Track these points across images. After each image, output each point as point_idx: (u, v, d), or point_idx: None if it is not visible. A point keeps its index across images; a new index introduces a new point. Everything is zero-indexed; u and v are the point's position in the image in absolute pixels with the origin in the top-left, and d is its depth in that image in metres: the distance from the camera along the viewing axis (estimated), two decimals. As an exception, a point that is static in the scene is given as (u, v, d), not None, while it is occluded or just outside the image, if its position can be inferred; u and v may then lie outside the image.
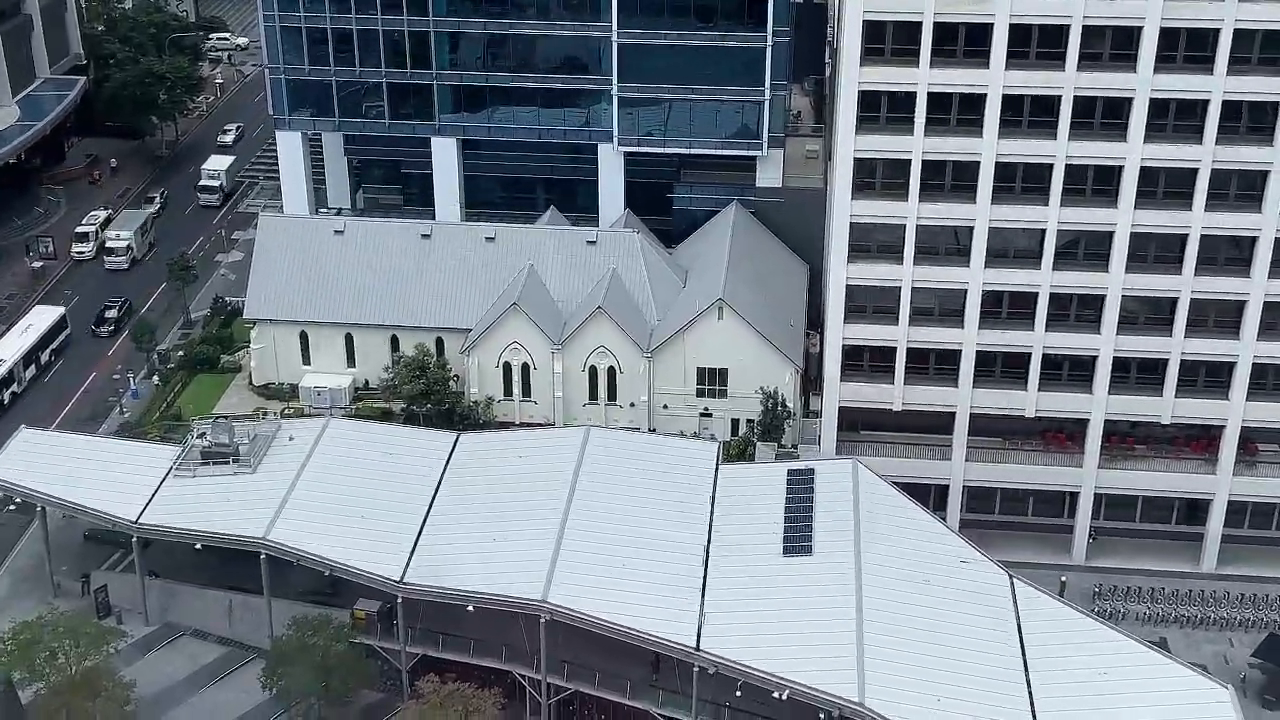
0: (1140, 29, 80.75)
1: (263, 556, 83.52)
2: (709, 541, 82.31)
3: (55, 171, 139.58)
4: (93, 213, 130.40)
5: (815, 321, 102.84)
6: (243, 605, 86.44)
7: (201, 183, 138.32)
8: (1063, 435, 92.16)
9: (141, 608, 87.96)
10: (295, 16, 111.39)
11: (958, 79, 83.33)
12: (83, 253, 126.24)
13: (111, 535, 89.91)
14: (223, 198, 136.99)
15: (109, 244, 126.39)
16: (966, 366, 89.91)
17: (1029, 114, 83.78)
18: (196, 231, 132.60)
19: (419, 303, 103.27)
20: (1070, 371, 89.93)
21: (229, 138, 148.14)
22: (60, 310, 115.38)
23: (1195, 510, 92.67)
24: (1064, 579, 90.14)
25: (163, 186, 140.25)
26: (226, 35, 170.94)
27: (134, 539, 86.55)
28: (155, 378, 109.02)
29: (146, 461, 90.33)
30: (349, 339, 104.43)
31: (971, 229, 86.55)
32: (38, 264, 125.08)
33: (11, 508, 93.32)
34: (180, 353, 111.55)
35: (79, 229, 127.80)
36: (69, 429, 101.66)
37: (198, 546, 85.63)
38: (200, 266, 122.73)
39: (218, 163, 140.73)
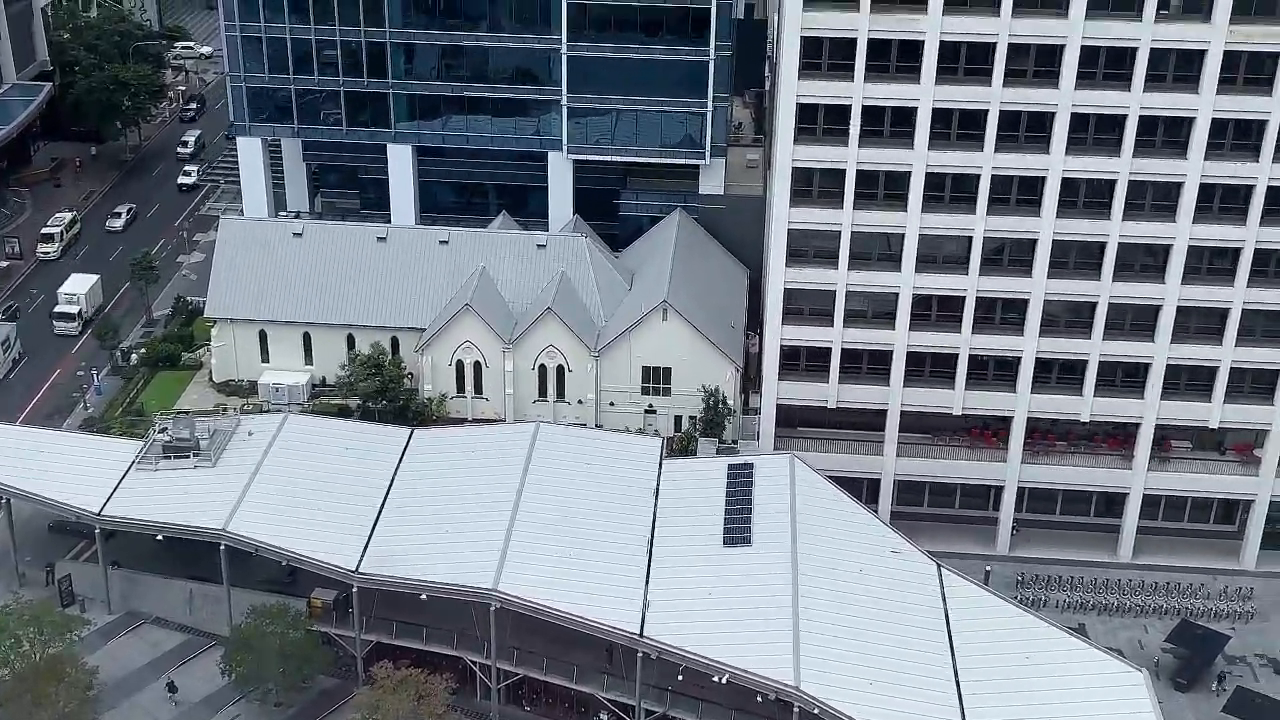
0: (1062, 47, 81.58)
1: (222, 547, 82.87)
2: (653, 533, 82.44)
3: (21, 174, 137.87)
4: (58, 214, 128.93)
5: (755, 323, 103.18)
6: (203, 594, 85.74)
7: (58, 308, 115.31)
8: (988, 432, 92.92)
9: (104, 597, 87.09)
10: (256, 26, 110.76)
11: (890, 93, 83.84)
12: (48, 253, 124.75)
13: (75, 526, 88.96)
14: (82, 325, 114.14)
15: None
16: (897, 366, 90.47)
17: (957, 127, 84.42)
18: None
19: (375, 303, 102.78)
20: (995, 371, 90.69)
21: (188, 149, 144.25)
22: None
23: (1112, 503, 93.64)
24: (989, 568, 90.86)
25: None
26: (191, 44, 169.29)
27: (97, 530, 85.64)
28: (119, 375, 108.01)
29: (109, 455, 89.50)
30: (307, 338, 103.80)
31: (903, 236, 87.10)
32: (3, 264, 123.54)
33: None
34: (143, 350, 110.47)
35: (44, 230, 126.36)
36: (34, 423, 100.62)
37: (159, 537, 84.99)
38: (162, 267, 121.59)
39: (78, 284, 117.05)
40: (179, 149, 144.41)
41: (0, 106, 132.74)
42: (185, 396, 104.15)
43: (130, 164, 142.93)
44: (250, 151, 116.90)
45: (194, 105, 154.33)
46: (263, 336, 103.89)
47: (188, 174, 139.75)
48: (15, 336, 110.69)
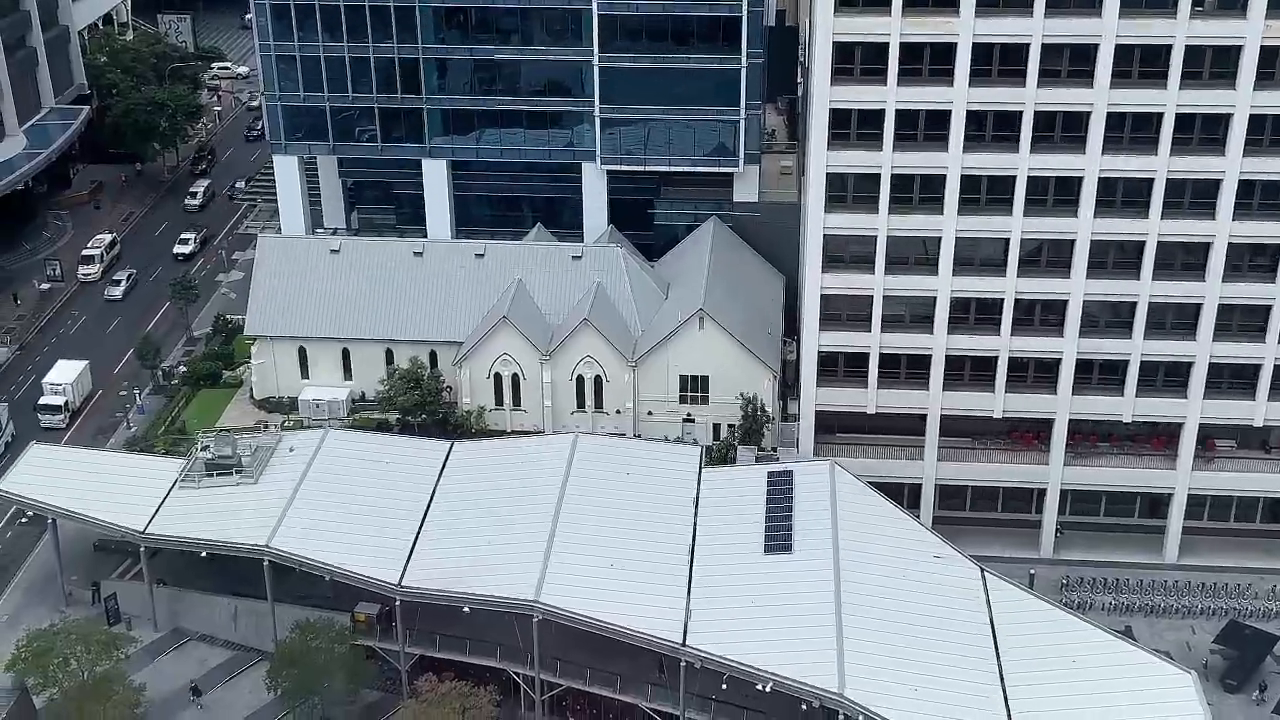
0: (1097, 46, 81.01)
1: (266, 563, 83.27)
2: (693, 542, 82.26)
3: (61, 197, 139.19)
4: (98, 236, 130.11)
5: (792, 329, 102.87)
6: (247, 610, 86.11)
7: (43, 400, 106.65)
8: (1029, 434, 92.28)
9: (150, 614, 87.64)
10: (290, 45, 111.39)
11: (924, 96, 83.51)
12: (88, 275, 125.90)
13: (120, 545, 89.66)
14: (70, 417, 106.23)
15: None
16: (936, 370, 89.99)
17: (992, 129, 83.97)
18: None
19: (412, 317, 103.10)
20: (1035, 373, 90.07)
21: (196, 200, 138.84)
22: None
23: (1157, 504, 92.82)
24: (1033, 572, 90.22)
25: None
26: (228, 65, 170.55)
27: (142, 548, 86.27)
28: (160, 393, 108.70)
29: (153, 474, 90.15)
30: (345, 353, 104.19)
31: (939, 239, 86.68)
32: (45, 286, 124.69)
33: (24, 521, 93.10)
34: (184, 369, 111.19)
35: (85, 252, 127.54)
36: (78, 444, 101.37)
37: (203, 555, 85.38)
38: (201, 286, 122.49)
39: (64, 372, 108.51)
40: (187, 199, 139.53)
41: (39, 130, 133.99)
42: (227, 414, 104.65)
43: (169, 184, 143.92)
44: (287, 169, 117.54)
45: (208, 156, 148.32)
46: (302, 353, 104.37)
47: (185, 241, 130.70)
48: (8, 419, 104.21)
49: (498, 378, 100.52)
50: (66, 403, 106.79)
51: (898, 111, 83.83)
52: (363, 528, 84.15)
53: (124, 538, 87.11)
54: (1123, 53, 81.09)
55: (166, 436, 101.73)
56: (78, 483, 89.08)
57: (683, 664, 76.02)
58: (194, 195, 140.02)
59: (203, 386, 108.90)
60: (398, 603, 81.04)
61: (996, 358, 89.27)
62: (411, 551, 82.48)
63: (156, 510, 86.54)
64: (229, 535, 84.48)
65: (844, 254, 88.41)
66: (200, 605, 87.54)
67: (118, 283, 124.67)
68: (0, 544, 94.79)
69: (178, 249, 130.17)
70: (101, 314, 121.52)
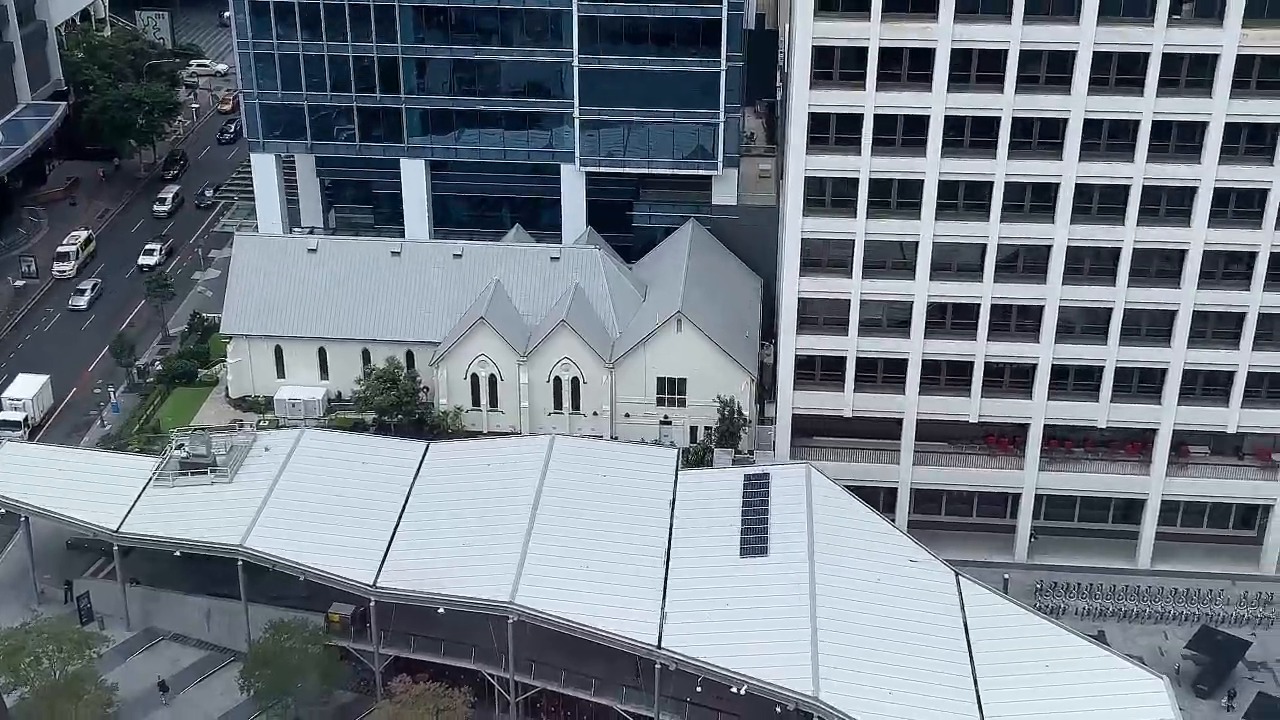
0: (1074, 53, 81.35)
1: (240, 563, 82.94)
2: (669, 544, 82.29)
3: (37, 193, 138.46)
4: (73, 233, 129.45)
5: (769, 332, 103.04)
6: (221, 610, 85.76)
7: (1, 415, 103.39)
8: (1005, 439, 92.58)
9: (123, 614, 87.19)
10: (268, 43, 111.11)
11: (902, 101, 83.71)
12: (63, 271, 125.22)
13: (93, 544, 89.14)
14: (30, 433, 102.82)
15: None
16: (913, 374, 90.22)
17: (970, 134, 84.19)
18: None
19: (390, 317, 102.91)
20: (1011, 378, 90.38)
21: (164, 207, 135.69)
22: None
23: (1131, 509, 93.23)
24: (1007, 576, 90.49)
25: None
26: (206, 62, 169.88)
27: (115, 547, 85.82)
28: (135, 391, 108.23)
29: (127, 472, 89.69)
30: (322, 353, 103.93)
31: (917, 244, 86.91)
32: (20, 283, 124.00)
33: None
34: (159, 367, 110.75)
35: (60, 249, 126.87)
36: (52, 441, 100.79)
37: (177, 554, 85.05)
38: (178, 284, 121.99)
39: (24, 387, 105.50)
40: (155, 205, 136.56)
41: (15, 126, 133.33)
42: (202, 413, 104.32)
43: (145, 182, 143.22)
44: (264, 168, 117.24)
45: (180, 161, 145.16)
46: (278, 352, 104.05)
47: (150, 252, 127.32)
48: None
49: (475, 378, 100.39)
50: (26, 418, 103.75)
51: (876, 116, 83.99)
52: (338, 528, 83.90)
53: (97, 536, 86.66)
54: (1100, 60, 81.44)
55: (141, 435, 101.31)
56: (51, 481, 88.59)
57: (658, 666, 76.02)
58: (162, 201, 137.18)
59: (178, 385, 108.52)
60: (372, 603, 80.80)
61: (973, 362, 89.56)
62: (387, 552, 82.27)
63: (130, 509, 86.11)
64: (203, 534, 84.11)
65: (822, 258, 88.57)
66: (173, 605, 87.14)
67: (82, 292, 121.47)
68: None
69: (143, 259, 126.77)
70: (66, 321, 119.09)
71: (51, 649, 77.94)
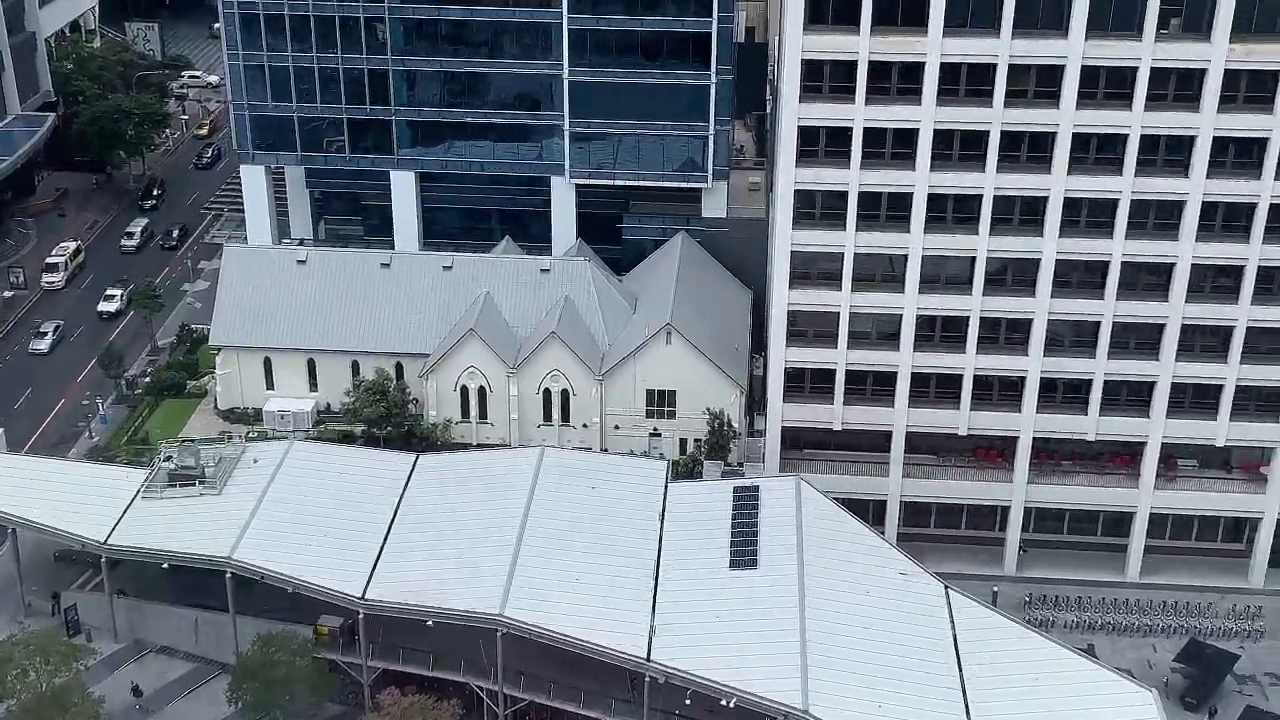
0: (1063, 67, 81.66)
1: (228, 575, 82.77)
2: (659, 556, 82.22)
3: (26, 204, 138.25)
4: (62, 244, 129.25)
5: (759, 345, 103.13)
6: (209, 622, 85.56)
7: None
8: (994, 452, 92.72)
9: (110, 626, 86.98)
10: (258, 55, 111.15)
11: (892, 115, 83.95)
12: (53, 282, 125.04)
13: (81, 555, 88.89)
14: None
15: None
16: (902, 387, 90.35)
17: (959, 148, 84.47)
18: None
19: (379, 329, 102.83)
20: (1000, 391, 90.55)
21: (132, 241, 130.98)
22: None
23: (1120, 522, 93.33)
24: (996, 589, 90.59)
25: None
26: (198, 73, 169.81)
27: (103, 559, 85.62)
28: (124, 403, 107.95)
29: (115, 484, 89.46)
30: (311, 364, 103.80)
31: (906, 257, 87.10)
32: (9, 294, 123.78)
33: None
34: (148, 379, 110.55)
35: (49, 260, 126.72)
36: (40, 452, 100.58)
37: (165, 566, 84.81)
38: (167, 296, 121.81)
39: None
40: (123, 240, 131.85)
41: (4, 137, 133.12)
42: (190, 424, 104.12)
43: (134, 194, 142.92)
44: (254, 179, 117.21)
45: (156, 192, 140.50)
46: (267, 363, 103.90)
47: (110, 298, 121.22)
48: None
49: (464, 390, 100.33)
50: None
51: (865, 129, 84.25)
52: (327, 540, 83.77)
53: (85, 548, 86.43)
54: (1089, 74, 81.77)
55: (129, 446, 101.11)
56: (39, 492, 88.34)
57: (647, 679, 75.94)
58: (130, 235, 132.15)
59: (166, 396, 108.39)
60: (361, 616, 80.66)
61: (962, 375, 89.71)
62: (375, 564, 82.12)
63: (118, 521, 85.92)
64: (191, 546, 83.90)
65: (811, 270, 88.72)
66: (161, 617, 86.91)
67: (43, 335, 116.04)
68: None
69: (102, 306, 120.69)
70: (26, 363, 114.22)
71: (38, 661, 77.65)
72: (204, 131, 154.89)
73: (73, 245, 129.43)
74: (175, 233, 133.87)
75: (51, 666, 77.79)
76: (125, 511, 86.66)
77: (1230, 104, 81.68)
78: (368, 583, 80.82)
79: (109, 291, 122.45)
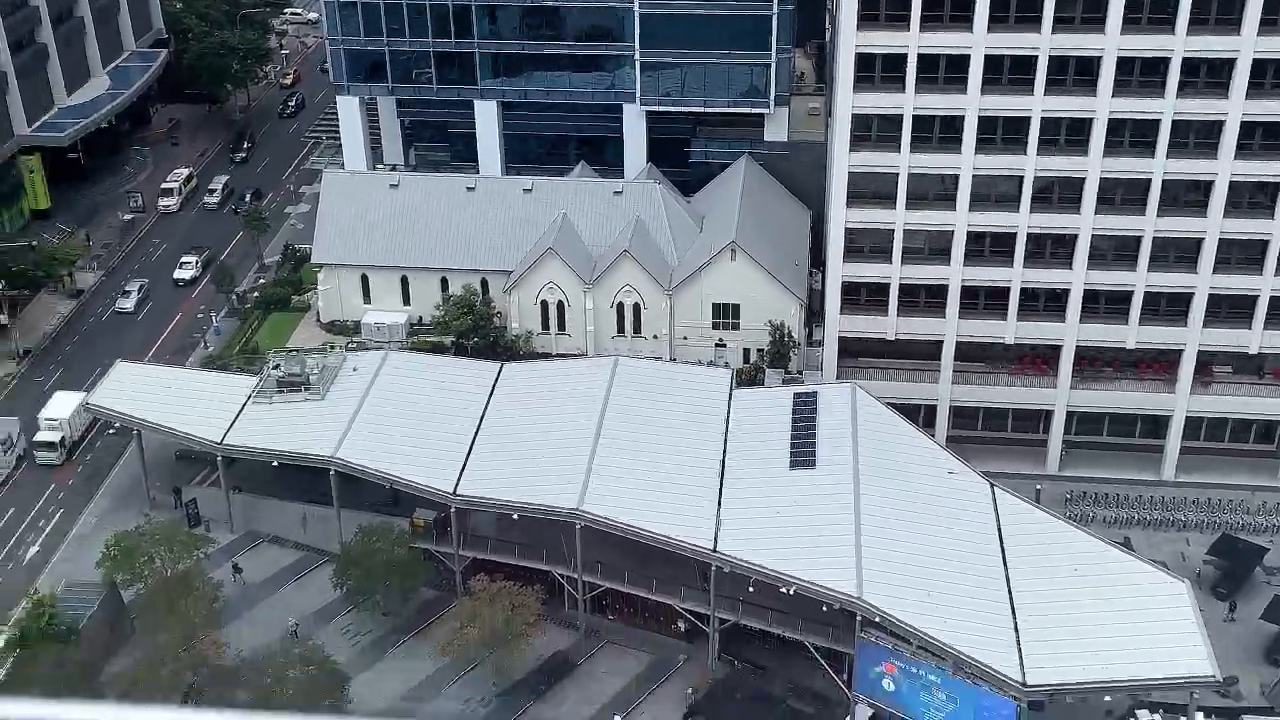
0: (1109, -5, 79.70)
1: (332, 472, 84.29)
2: (724, 457, 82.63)
3: (143, 134, 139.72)
4: (175, 170, 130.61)
5: (818, 261, 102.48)
6: (315, 515, 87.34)
7: (38, 436, 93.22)
8: (1039, 359, 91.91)
9: (227, 518, 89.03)
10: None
11: (945, 41, 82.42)
12: (168, 206, 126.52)
13: (199, 455, 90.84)
14: (67, 454, 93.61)
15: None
16: (953, 299, 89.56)
17: (1009, 72, 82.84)
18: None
19: (466, 248, 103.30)
20: (1045, 303, 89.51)
21: (214, 199, 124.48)
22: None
23: (1157, 425, 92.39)
24: (1039, 487, 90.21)
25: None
26: (298, 10, 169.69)
27: (219, 458, 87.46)
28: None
29: (228, 390, 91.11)
30: (404, 281, 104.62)
31: (957, 176, 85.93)
32: (128, 216, 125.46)
33: (111, 431, 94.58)
34: (256, 294, 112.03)
35: (164, 185, 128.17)
36: (159, 362, 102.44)
37: (275, 464, 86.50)
38: (272, 217, 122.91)
39: (61, 406, 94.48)
40: (205, 197, 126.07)
41: (121, 72, 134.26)
42: (295, 335, 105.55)
43: (239, 125, 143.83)
44: (349, 109, 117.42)
45: (246, 145, 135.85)
46: (364, 280, 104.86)
47: (185, 265, 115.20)
48: (19, 433, 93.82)
49: (544, 304, 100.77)
50: (63, 439, 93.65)
51: (919, 55, 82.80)
52: (420, 441, 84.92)
53: (203, 448, 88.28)
54: (1132, 2, 79.59)
55: (241, 356, 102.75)
56: (160, 397, 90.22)
57: (713, 569, 76.72)
58: (212, 193, 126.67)
59: (273, 310, 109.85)
60: (453, 509, 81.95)
61: (1009, 288, 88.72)
62: (465, 463, 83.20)
63: (232, 423, 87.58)
64: (298, 446, 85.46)
65: (867, 190, 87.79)
66: (272, 510, 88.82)
67: (128, 294, 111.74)
68: (90, 453, 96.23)
69: (178, 274, 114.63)
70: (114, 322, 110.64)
71: (163, 550, 79.88)
72: (288, 80, 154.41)
73: (185, 171, 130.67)
74: (248, 196, 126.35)
75: (175, 555, 79.99)
76: (238, 415, 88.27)
77: (1270, 26, 79.28)
78: (458, 480, 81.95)
79: (184, 259, 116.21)
